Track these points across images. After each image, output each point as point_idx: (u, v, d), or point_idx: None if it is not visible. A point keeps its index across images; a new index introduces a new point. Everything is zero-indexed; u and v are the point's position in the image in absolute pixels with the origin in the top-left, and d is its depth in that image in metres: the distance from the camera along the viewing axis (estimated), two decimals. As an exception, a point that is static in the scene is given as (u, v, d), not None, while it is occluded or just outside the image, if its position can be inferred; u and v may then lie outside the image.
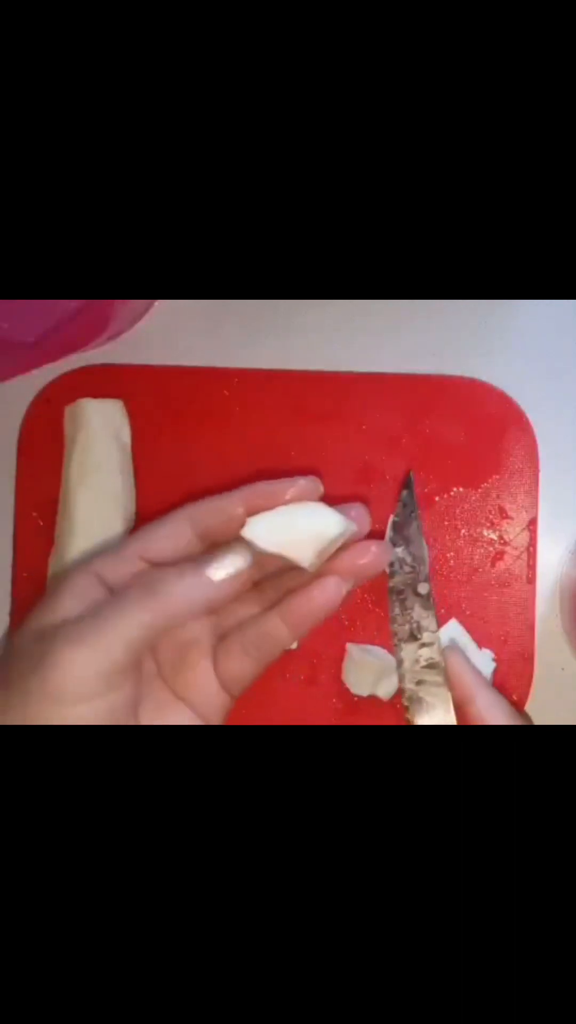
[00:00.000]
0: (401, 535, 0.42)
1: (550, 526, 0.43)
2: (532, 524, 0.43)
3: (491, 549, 0.43)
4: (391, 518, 0.42)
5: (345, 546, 0.35)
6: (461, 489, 0.43)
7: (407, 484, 0.42)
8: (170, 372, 0.44)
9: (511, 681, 0.42)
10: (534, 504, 0.43)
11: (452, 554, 0.43)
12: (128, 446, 0.43)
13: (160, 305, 0.45)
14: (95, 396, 0.43)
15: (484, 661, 0.42)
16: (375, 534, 0.36)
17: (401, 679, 0.41)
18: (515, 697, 0.42)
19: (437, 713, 0.40)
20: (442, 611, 0.43)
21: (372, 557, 0.35)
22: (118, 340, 0.44)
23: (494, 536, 0.43)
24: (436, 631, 0.41)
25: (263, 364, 0.44)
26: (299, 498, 0.35)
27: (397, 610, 0.41)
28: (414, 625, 0.41)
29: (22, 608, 0.44)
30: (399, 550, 0.41)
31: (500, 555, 0.43)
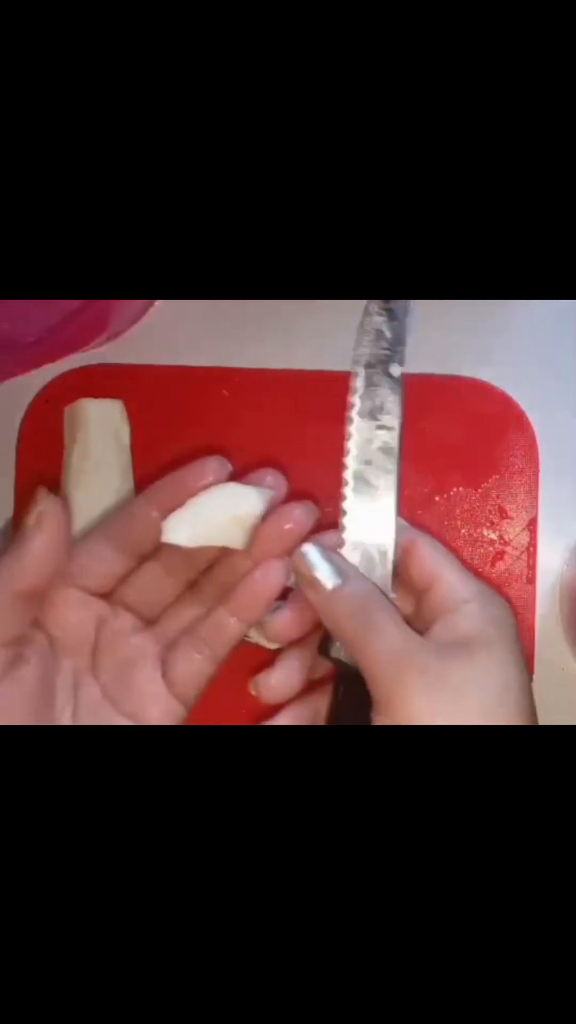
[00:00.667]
0: (386, 307, 0.38)
1: (550, 526, 0.43)
2: (532, 524, 0.43)
3: (491, 549, 0.43)
4: (377, 304, 0.38)
5: (267, 514, 0.35)
6: (461, 489, 0.43)
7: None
8: (170, 372, 0.44)
9: (511, 681, 0.42)
10: (534, 504, 0.43)
11: (452, 554, 0.43)
12: (128, 446, 0.43)
13: (160, 305, 0.45)
14: (95, 396, 0.43)
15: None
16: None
17: (346, 454, 0.37)
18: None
19: (380, 500, 0.37)
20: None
21: (297, 521, 0.35)
22: (118, 340, 0.44)
23: (494, 536, 0.43)
24: (399, 417, 0.37)
25: (263, 364, 0.44)
26: (209, 483, 0.34)
27: (360, 383, 0.37)
28: (376, 404, 0.37)
29: (22, 608, 0.43)
30: (381, 320, 0.38)
31: (500, 555, 0.43)
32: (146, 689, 0.35)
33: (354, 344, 0.38)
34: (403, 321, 0.38)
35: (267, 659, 0.38)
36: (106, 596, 0.36)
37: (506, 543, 0.43)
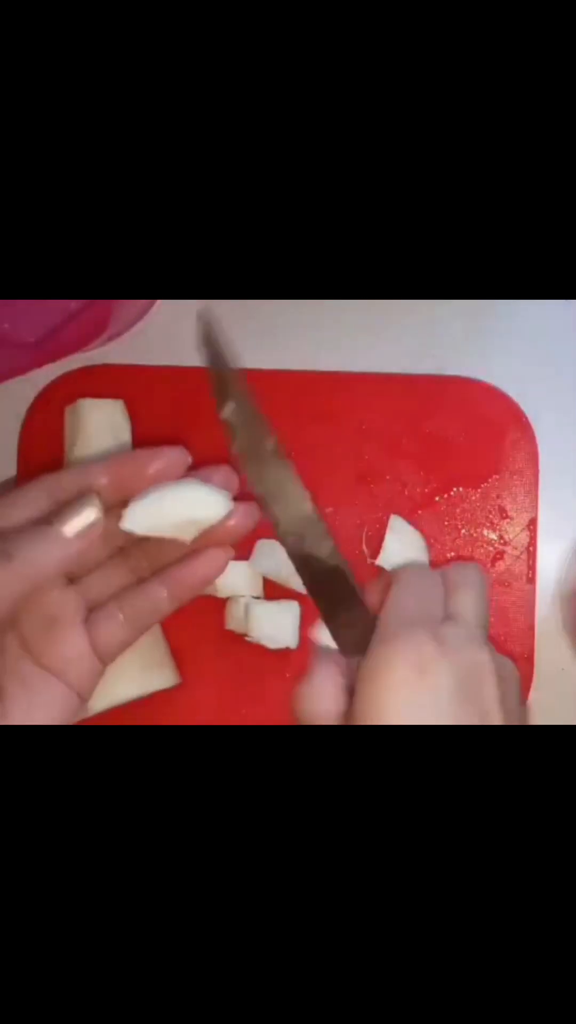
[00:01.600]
0: (226, 394, 0.36)
1: (550, 526, 0.43)
2: (532, 524, 0.43)
3: (491, 549, 0.43)
4: (211, 384, 0.36)
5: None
6: (461, 489, 0.43)
7: (203, 324, 0.36)
8: (170, 372, 0.44)
9: (511, 681, 0.42)
10: (534, 504, 0.43)
11: (452, 554, 0.43)
12: (128, 446, 0.43)
13: (160, 305, 0.45)
14: (95, 396, 0.43)
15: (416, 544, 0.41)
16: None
17: (281, 541, 0.35)
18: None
19: (327, 562, 0.35)
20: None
21: (239, 518, 0.36)
22: (118, 340, 0.45)
23: (494, 536, 0.43)
24: (299, 486, 0.35)
25: (264, 364, 0.44)
26: (166, 471, 0.35)
27: (252, 473, 0.35)
28: (273, 485, 0.35)
29: (22, 608, 0.43)
30: (230, 410, 0.36)
31: (500, 555, 0.43)
32: (70, 645, 0.35)
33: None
34: (249, 402, 0.36)
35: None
36: None
37: (506, 543, 0.43)
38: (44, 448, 0.43)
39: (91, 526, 0.34)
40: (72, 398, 0.43)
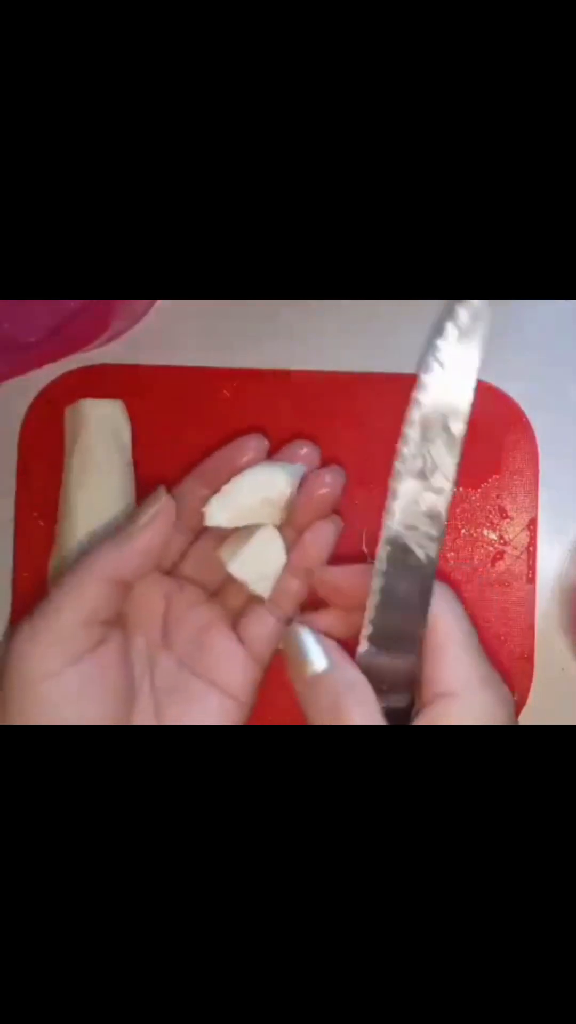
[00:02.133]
0: (449, 354, 0.33)
1: (550, 526, 0.43)
2: (532, 524, 0.43)
3: (491, 549, 0.43)
4: (438, 341, 0.33)
5: (302, 485, 0.37)
6: (461, 489, 0.43)
7: (477, 315, 0.33)
8: (170, 372, 0.44)
9: (511, 681, 0.42)
10: (534, 504, 0.43)
11: (452, 554, 0.43)
12: (128, 446, 0.43)
13: (160, 305, 0.45)
14: (95, 396, 0.43)
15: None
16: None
17: (388, 519, 0.33)
18: (515, 698, 0.42)
19: (416, 570, 0.33)
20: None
21: (327, 487, 0.37)
22: (118, 340, 0.44)
23: (494, 536, 0.43)
24: (453, 481, 0.33)
25: (263, 364, 0.44)
26: (250, 459, 0.37)
27: (415, 438, 0.33)
28: (428, 462, 0.33)
29: (22, 608, 0.43)
30: (438, 368, 0.33)
31: (500, 555, 0.43)
32: (223, 651, 0.37)
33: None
34: (470, 373, 0.34)
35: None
36: (169, 573, 0.38)
37: (506, 543, 0.43)
38: (44, 448, 0.43)
39: (158, 513, 0.35)
40: (72, 398, 0.43)
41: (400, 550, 0.33)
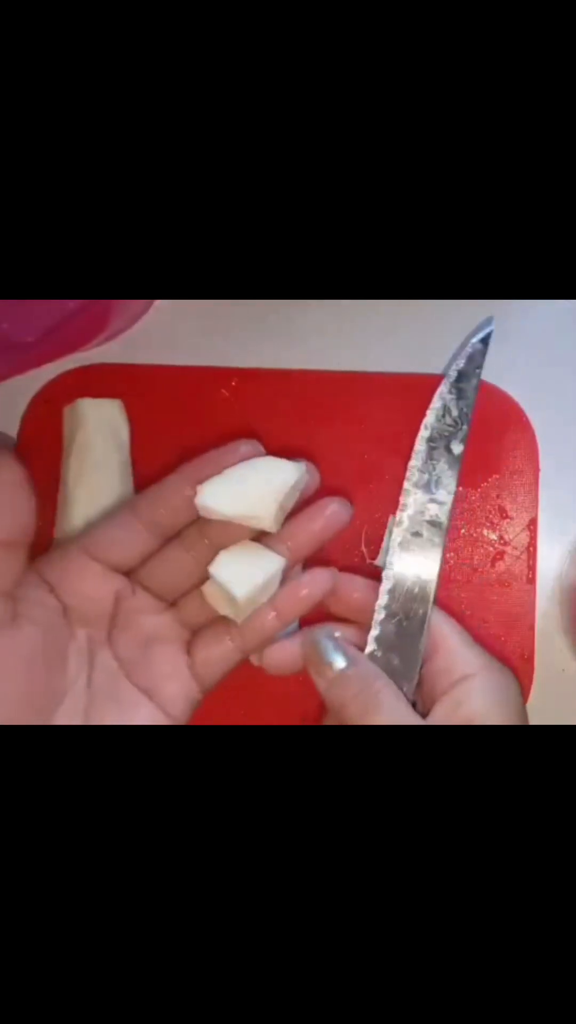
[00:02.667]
0: (458, 385, 0.40)
1: (550, 526, 0.43)
2: (532, 524, 0.43)
3: (491, 549, 0.43)
4: (453, 366, 0.40)
5: (302, 509, 0.36)
6: (461, 489, 0.43)
7: (484, 338, 0.40)
8: (170, 372, 0.44)
9: (511, 681, 0.42)
10: (534, 504, 0.43)
11: (452, 554, 0.43)
12: (128, 446, 0.43)
13: (160, 305, 0.45)
14: (95, 396, 0.43)
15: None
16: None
17: (398, 524, 0.38)
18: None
19: (424, 563, 0.38)
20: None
21: (331, 516, 0.36)
22: (118, 340, 0.44)
23: (494, 536, 0.43)
24: (453, 494, 0.39)
25: (263, 364, 0.44)
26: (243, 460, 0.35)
27: (421, 457, 0.39)
28: (434, 478, 0.39)
29: (21, 608, 0.43)
30: (450, 397, 0.39)
31: (500, 555, 0.43)
32: (167, 665, 0.35)
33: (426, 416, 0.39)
34: (470, 400, 0.39)
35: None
36: (127, 573, 0.36)
37: (506, 543, 0.43)
38: (43, 448, 0.43)
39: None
40: (71, 398, 0.43)
41: (405, 551, 0.38)
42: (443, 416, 0.39)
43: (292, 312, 0.44)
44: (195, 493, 0.35)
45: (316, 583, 0.37)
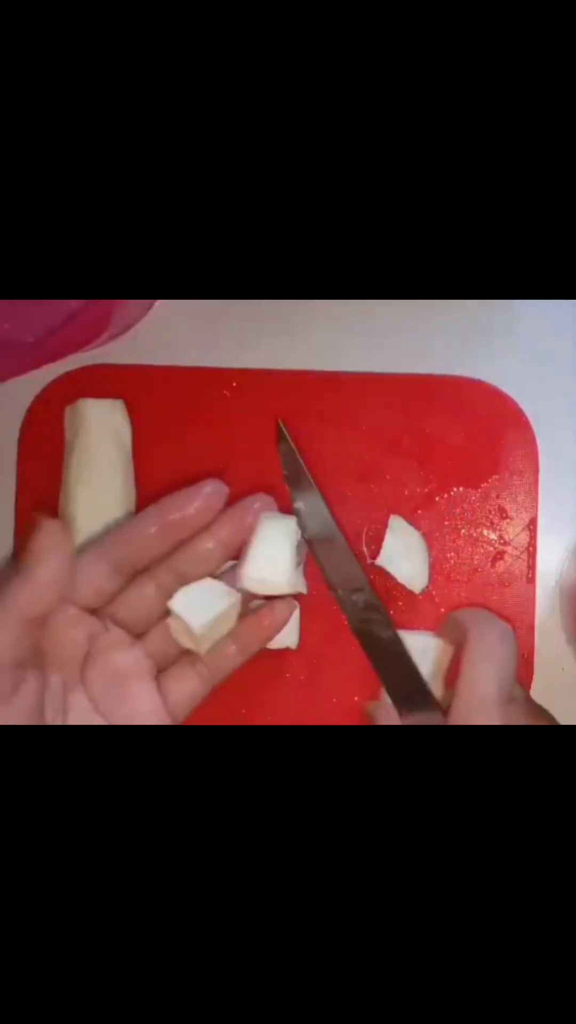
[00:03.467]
0: (297, 488, 0.41)
1: (550, 526, 0.43)
2: (532, 524, 0.43)
3: (491, 549, 0.43)
4: (283, 472, 0.42)
5: (225, 517, 0.38)
6: (461, 489, 0.43)
7: (281, 437, 0.42)
8: (170, 372, 0.44)
9: (511, 681, 0.42)
10: (534, 504, 0.43)
11: (452, 554, 0.43)
12: (128, 446, 0.43)
13: (160, 305, 0.45)
14: (95, 396, 0.43)
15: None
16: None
17: (347, 617, 0.41)
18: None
19: (384, 643, 0.41)
20: (442, 611, 0.43)
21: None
22: (118, 340, 0.44)
23: (494, 536, 0.43)
24: (363, 577, 0.41)
25: (263, 364, 0.44)
26: (206, 507, 0.37)
27: (321, 559, 0.41)
28: (341, 574, 0.41)
29: (22, 608, 0.43)
30: (301, 504, 0.41)
31: (500, 555, 0.43)
32: (140, 703, 0.36)
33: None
34: (312, 491, 0.41)
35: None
36: (95, 611, 0.37)
37: (506, 543, 0.43)
38: (44, 448, 0.43)
39: (46, 535, 0.34)
40: (72, 398, 0.43)
41: (368, 638, 0.41)
42: (308, 522, 0.41)
43: (292, 312, 0.44)
44: (159, 534, 0.36)
45: (276, 614, 0.38)
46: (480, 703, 0.35)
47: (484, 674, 0.36)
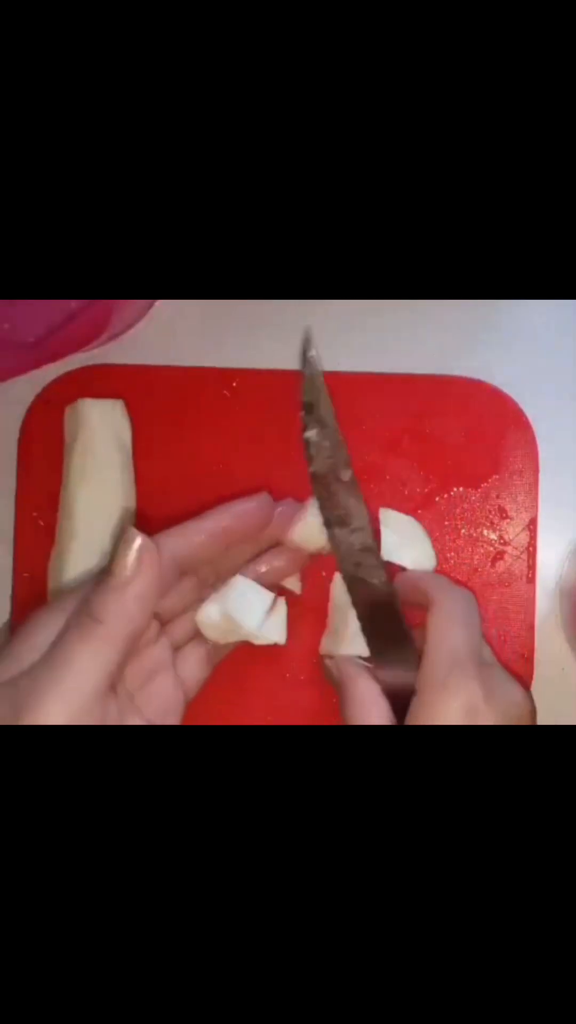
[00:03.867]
0: (313, 416, 0.38)
1: (550, 526, 0.43)
2: (532, 524, 0.43)
3: (491, 549, 0.43)
4: (302, 398, 0.39)
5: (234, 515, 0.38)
6: (461, 489, 0.43)
7: (304, 349, 0.39)
8: (170, 372, 0.44)
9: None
10: (534, 504, 0.43)
11: (452, 554, 0.43)
12: (128, 446, 0.43)
13: (160, 305, 0.45)
14: (95, 396, 0.43)
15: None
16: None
17: (339, 562, 0.39)
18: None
19: (375, 589, 0.39)
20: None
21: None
22: (118, 340, 0.44)
23: (494, 536, 0.43)
24: (365, 516, 0.39)
25: (263, 364, 0.44)
26: (261, 519, 0.38)
27: (323, 495, 0.39)
28: (342, 511, 0.38)
29: (22, 608, 0.43)
30: (313, 433, 0.38)
31: (500, 555, 0.43)
32: (162, 687, 0.37)
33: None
34: (332, 424, 0.38)
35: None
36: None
37: (506, 543, 0.43)
38: (44, 448, 0.43)
39: (141, 550, 0.33)
40: (72, 398, 0.43)
41: (359, 585, 0.39)
42: (317, 453, 0.38)
43: (292, 312, 0.44)
44: (207, 541, 0.37)
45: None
46: (452, 663, 0.35)
47: (453, 635, 0.36)
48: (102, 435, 0.42)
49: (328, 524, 0.39)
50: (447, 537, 0.43)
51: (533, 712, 0.37)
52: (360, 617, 0.39)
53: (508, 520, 0.43)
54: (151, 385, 0.44)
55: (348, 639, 0.40)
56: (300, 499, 0.40)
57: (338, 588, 0.42)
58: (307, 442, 0.38)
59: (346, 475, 0.38)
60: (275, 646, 0.41)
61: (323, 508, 0.39)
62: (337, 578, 0.41)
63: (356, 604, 0.39)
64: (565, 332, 0.44)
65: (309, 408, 0.38)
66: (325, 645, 0.42)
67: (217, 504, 0.38)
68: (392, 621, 0.38)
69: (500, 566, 0.43)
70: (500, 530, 0.43)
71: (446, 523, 0.43)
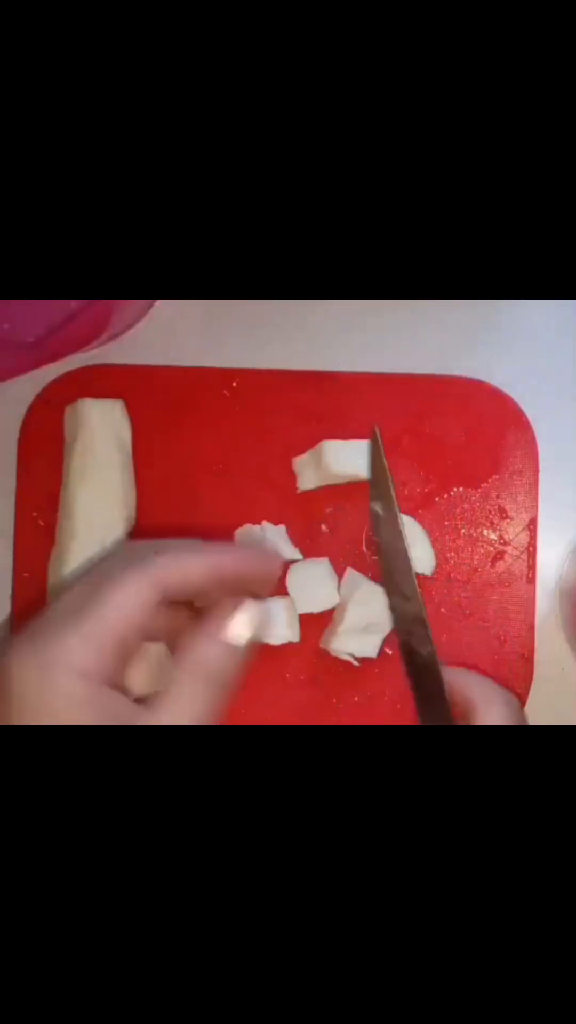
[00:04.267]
0: (377, 492, 0.42)
1: (550, 526, 0.43)
2: (532, 524, 0.43)
3: (491, 549, 0.43)
4: (369, 476, 0.42)
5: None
6: (461, 489, 0.43)
7: (374, 443, 0.42)
8: (170, 372, 0.44)
9: (511, 681, 0.42)
10: (534, 504, 0.43)
11: (452, 554, 0.43)
12: (128, 446, 0.43)
13: (160, 305, 0.45)
14: (95, 396, 0.43)
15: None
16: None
17: (395, 627, 0.42)
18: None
19: (421, 658, 0.41)
20: (442, 611, 0.43)
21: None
22: (118, 340, 0.45)
23: (494, 536, 0.43)
24: (416, 590, 0.41)
25: (263, 364, 0.44)
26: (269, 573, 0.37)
27: (385, 566, 0.42)
28: (398, 581, 0.42)
29: (22, 608, 0.44)
30: (378, 508, 0.42)
31: (500, 555, 0.43)
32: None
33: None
34: (390, 497, 0.42)
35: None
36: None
37: (506, 543, 0.43)
38: (44, 448, 0.44)
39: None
40: (72, 398, 0.43)
41: (408, 649, 0.42)
42: (381, 524, 0.42)
43: (292, 312, 0.44)
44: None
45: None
46: None
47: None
48: (102, 435, 0.42)
49: (387, 592, 0.42)
50: (447, 537, 0.43)
51: None
52: (408, 675, 0.42)
53: (508, 520, 0.43)
54: (151, 385, 0.44)
55: (341, 635, 0.41)
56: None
57: (341, 587, 0.42)
58: (373, 514, 0.42)
59: (402, 550, 0.42)
60: (275, 646, 0.42)
61: (383, 574, 0.42)
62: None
63: (407, 665, 0.42)
64: (565, 332, 0.44)
65: (375, 485, 0.42)
66: (326, 640, 0.42)
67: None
68: (435, 686, 0.41)
69: (500, 566, 0.43)
70: (500, 530, 0.43)
71: (446, 523, 0.43)
